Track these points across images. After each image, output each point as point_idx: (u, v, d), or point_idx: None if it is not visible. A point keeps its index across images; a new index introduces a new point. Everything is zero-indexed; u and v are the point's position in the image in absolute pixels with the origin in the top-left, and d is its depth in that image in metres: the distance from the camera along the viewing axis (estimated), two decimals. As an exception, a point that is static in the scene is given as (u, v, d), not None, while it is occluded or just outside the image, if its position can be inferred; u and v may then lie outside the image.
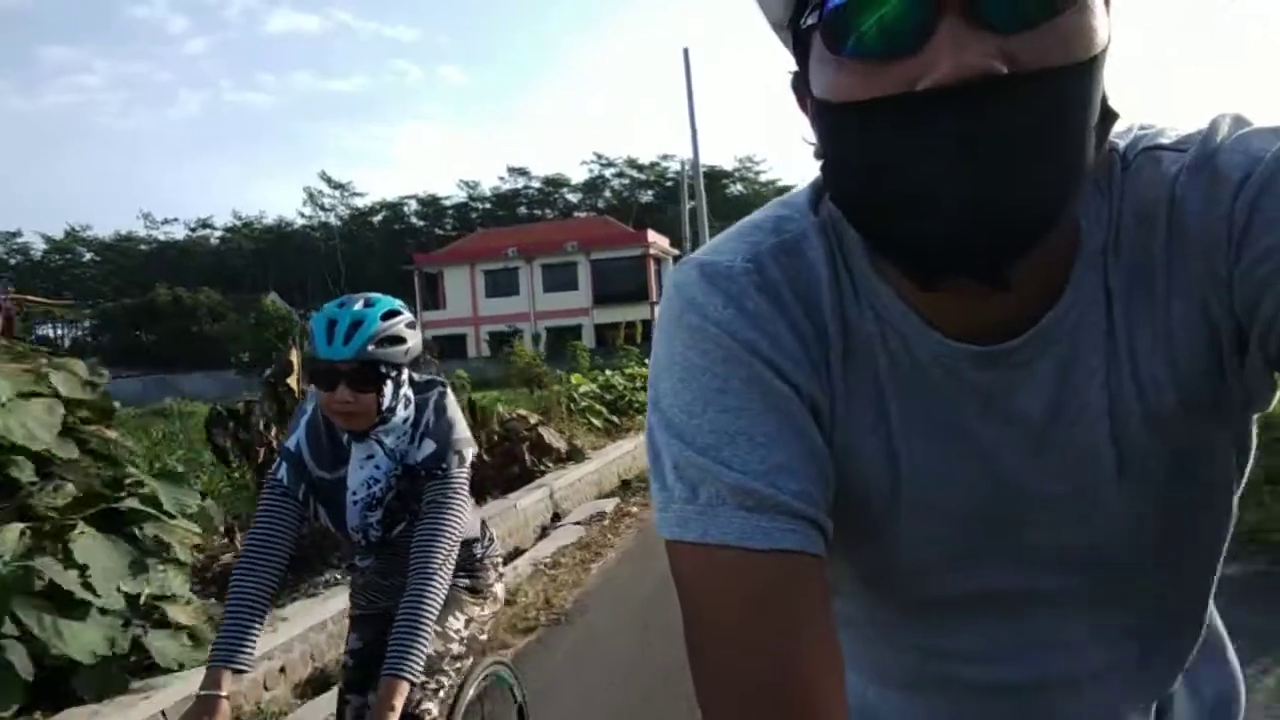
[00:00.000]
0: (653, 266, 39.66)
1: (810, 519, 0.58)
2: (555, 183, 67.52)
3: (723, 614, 0.58)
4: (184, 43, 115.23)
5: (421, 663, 1.66)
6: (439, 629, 1.86)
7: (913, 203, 0.52)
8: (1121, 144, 0.61)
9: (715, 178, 61.24)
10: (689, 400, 0.61)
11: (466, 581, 2.02)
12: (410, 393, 1.86)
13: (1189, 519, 0.66)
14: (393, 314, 1.79)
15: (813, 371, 0.63)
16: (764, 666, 0.56)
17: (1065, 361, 0.61)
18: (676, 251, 41.51)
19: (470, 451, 1.88)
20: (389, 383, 1.77)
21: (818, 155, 0.59)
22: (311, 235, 68.38)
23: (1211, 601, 0.74)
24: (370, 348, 1.72)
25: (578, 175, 69.13)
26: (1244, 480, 0.67)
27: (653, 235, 40.71)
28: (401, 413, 1.82)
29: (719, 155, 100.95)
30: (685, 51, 18.67)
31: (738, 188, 67.29)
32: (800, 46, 0.58)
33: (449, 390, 1.95)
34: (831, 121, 0.56)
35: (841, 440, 0.64)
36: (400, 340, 1.77)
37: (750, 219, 0.69)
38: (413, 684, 1.65)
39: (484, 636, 2.12)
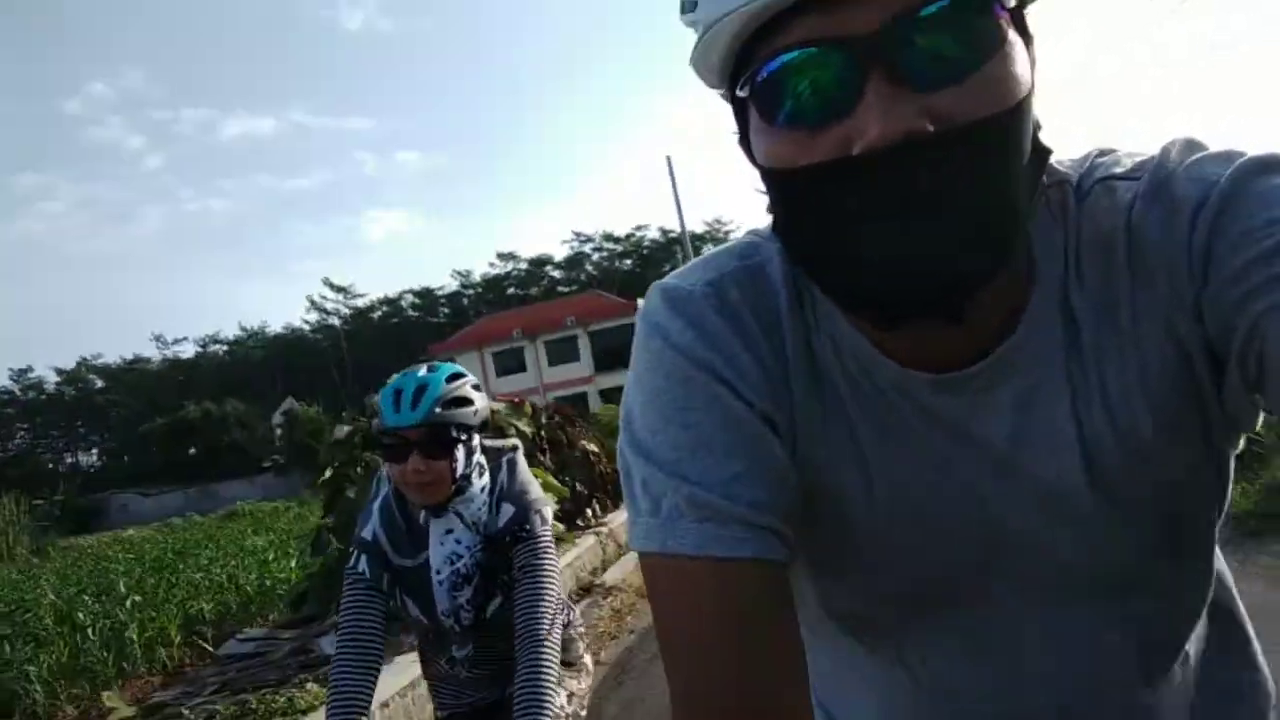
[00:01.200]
0: (645, 331, 43.52)
1: (767, 527, 0.60)
2: (540, 262, 71.88)
3: (685, 620, 0.61)
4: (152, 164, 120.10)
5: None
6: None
7: (857, 260, 0.54)
8: (1075, 174, 0.62)
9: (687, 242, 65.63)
10: (653, 418, 0.64)
11: (560, 657, 1.89)
12: (484, 460, 1.83)
13: (1174, 539, 0.66)
14: (457, 376, 1.79)
15: (772, 391, 0.65)
16: (725, 670, 0.58)
17: (1026, 388, 0.61)
18: (664, 315, 45.55)
19: (549, 511, 1.85)
20: (460, 446, 1.73)
21: (769, 210, 0.61)
22: (315, 338, 72.04)
23: (1240, 611, 0.76)
24: (438, 410, 1.70)
25: (558, 252, 73.43)
26: (1228, 500, 0.68)
27: (641, 303, 44.71)
28: (477, 481, 1.78)
29: (689, 218, 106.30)
30: (669, 159, 21.86)
31: (708, 247, 71.62)
32: (740, 114, 0.60)
33: (519, 453, 1.92)
34: (773, 186, 0.58)
35: (811, 457, 0.66)
36: (468, 401, 1.76)
37: (720, 247, 0.72)
38: None
39: (584, 713, 2.00)
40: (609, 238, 70.44)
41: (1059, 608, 0.68)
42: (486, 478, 1.80)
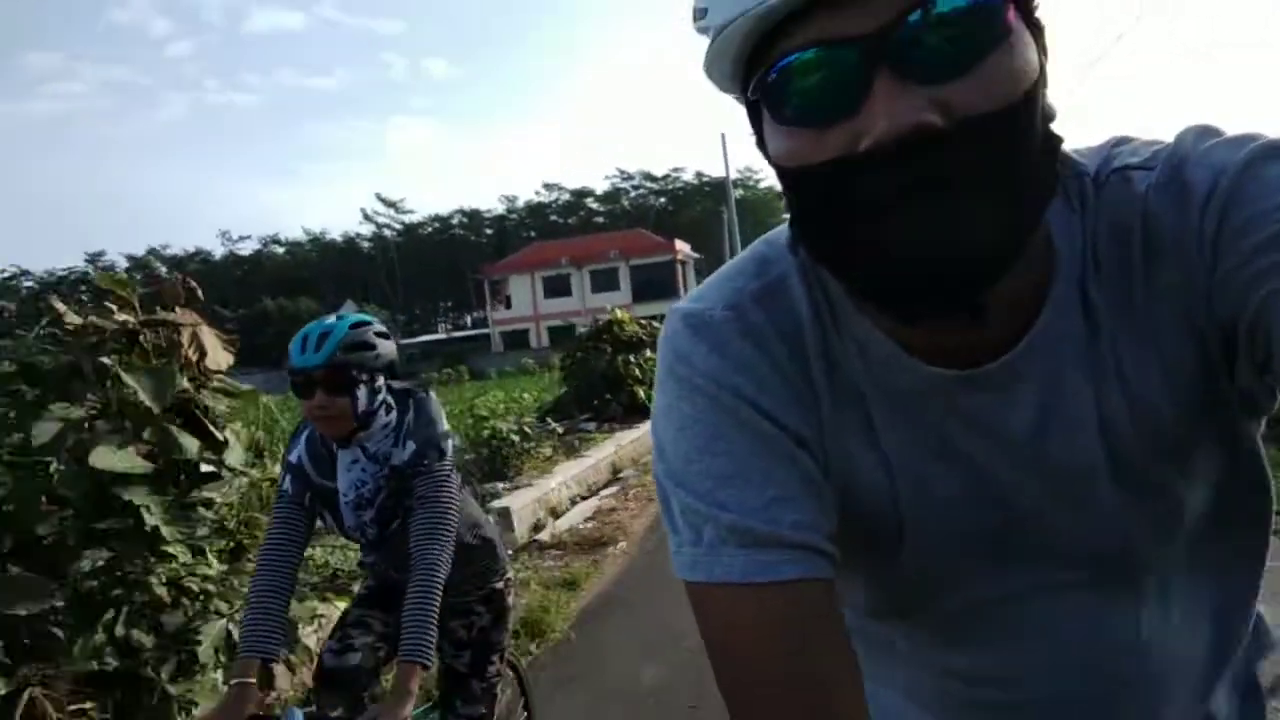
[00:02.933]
0: (679, 269, 48.93)
1: (810, 546, 0.61)
2: (581, 194, 76.86)
3: (739, 647, 0.61)
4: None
5: (432, 646, 1.78)
6: (481, 685, 2.19)
7: (873, 254, 0.54)
8: (1093, 165, 0.62)
9: (721, 188, 70.47)
10: (685, 448, 0.64)
11: (489, 615, 2.23)
12: (391, 400, 1.99)
13: (1208, 524, 0.66)
14: (361, 324, 1.95)
15: (800, 408, 0.65)
16: (781, 692, 0.59)
17: (1049, 379, 0.62)
18: (697, 255, 51.01)
19: (450, 444, 2.00)
20: (361, 386, 1.89)
21: (787, 208, 0.61)
22: (367, 247, 77.58)
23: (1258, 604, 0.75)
24: (339, 353, 1.86)
25: (598, 185, 78.29)
26: (1272, 488, 0.68)
27: (679, 244, 50.02)
28: (382, 418, 1.96)
29: (718, 164, 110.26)
30: (723, 137, 26.78)
31: (739, 192, 76.35)
32: (754, 116, 0.60)
33: (430, 395, 2.08)
34: (788, 183, 0.58)
35: (838, 469, 0.66)
36: (369, 346, 1.92)
37: (733, 262, 0.72)
38: (425, 667, 1.76)
39: (508, 648, 2.32)
40: (648, 177, 75.19)
41: (1081, 593, 0.68)
42: (394, 415, 1.99)
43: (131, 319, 3.00)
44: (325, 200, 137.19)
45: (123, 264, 77.61)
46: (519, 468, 7.48)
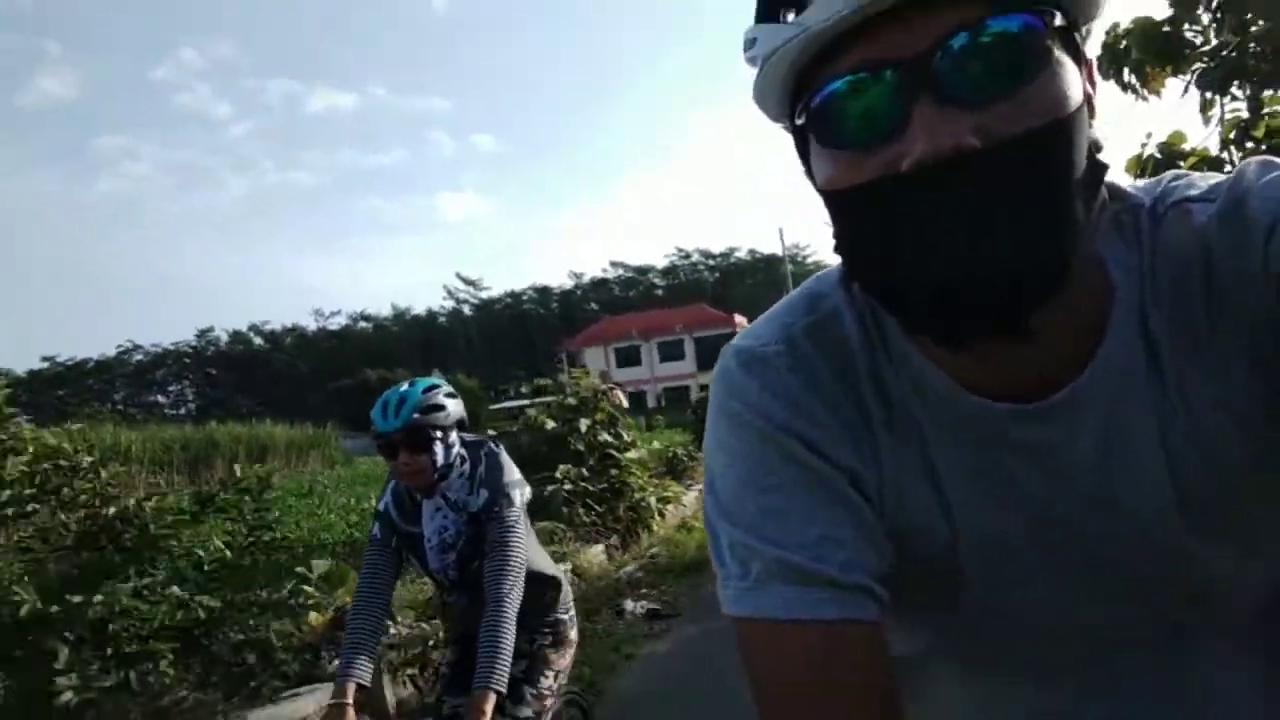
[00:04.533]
0: (738, 340, 54.30)
1: (858, 587, 0.60)
2: (643, 270, 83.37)
3: (779, 682, 0.61)
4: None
5: (505, 675, 2.00)
6: (531, 691, 2.33)
7: (912, 277, 0.55)
8: (1148, 198, 0.62)
9: (772, 264, 76.14)
10: (735, 483, 0.65)
11: (549, 638, 2.42)
12: (464, 452, 2.26)
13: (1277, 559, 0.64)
14: (432, 388, 2.24)
15: (853, 444, 0.64)
16: None
17: (1110, 414, 0.60)
18: (753, 327, 56.27)
19: (520, 494, 2.25)
20: (437, 443, 2.17)
21: (833, 235, 0.61)
22: (443, 322, 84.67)
23: None
24: (415, 416, 2.14)
25: (658, 261, 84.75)
26: None
27: (738, 317, 55.56)
28: (458, 469, 2.24)
29: (769, 242, 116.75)
30: (780, 231, 32.76)
31: (789, 267, 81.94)
32: (800, 142, 0.62)
33: (499, 447, 2.34)
34: (832, 208, 0.59)
35: (893, 506, 0.65)
36: (440, 408, 2.20)
37: (786, 299, 0.72)
38: (498, 693, 1.97)
39: (565, 680, 2.51)
40: (706, 254, 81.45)
41: (1143, 639, 0.66)
42: (468, 466, 2.24)
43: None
44: (394, 275, 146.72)
45: (225, 339, 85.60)
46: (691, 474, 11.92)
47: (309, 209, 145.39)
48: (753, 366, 0.67)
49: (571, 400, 8.96)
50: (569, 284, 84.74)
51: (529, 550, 2.26)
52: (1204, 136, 3.50)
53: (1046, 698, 0.72)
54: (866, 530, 0.63)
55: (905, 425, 0.66)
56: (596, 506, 8.05)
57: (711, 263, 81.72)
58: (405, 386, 2.23)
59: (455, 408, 2.25)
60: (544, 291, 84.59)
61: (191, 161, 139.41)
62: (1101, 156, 0.58)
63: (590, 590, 6.25)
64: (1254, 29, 3.33)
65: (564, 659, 2.46)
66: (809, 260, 77.90)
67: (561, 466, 8.01)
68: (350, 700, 2.06)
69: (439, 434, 2.19)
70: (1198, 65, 3.42)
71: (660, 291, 79.90)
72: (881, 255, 0.57)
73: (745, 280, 75.70)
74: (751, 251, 79.19)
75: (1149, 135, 3.51)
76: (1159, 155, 3.46)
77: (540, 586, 2.35)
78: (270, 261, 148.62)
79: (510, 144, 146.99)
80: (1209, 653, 0.67)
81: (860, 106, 0.54)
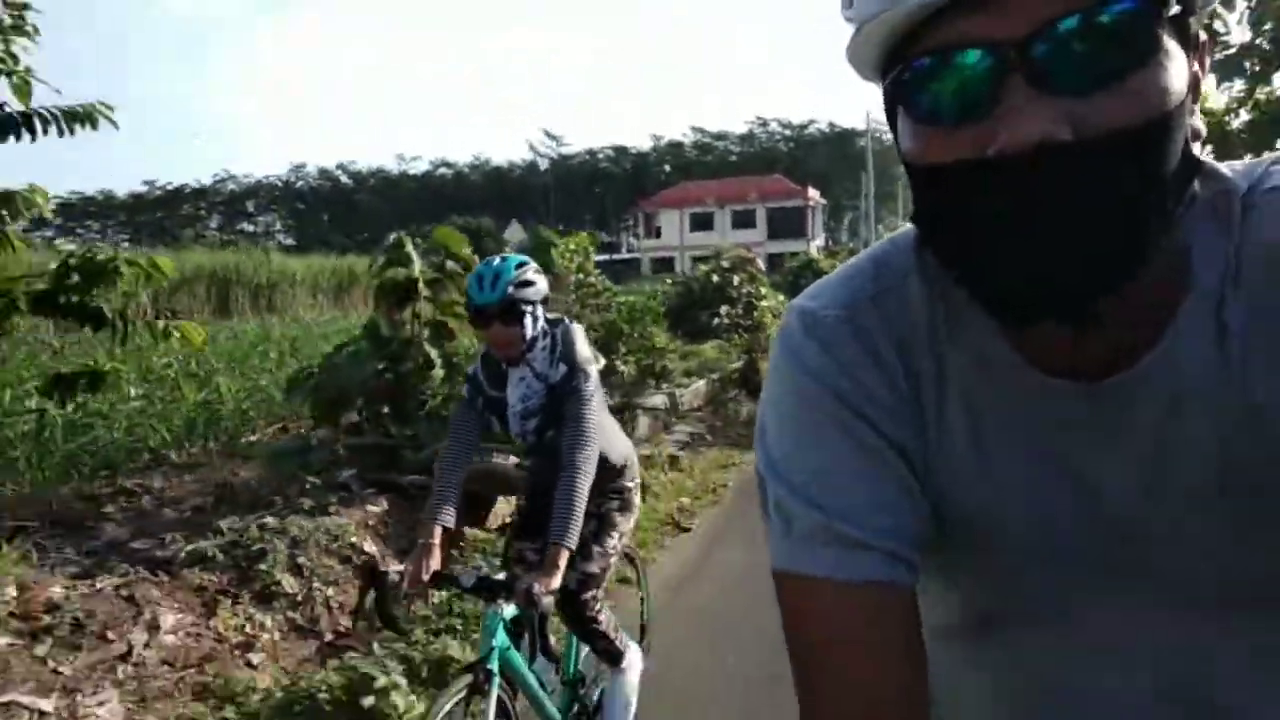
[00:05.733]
0: (809, 213, 56.06)
1: (893, 553, 0.62)
2: (720, 137, 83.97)
3: (813, 638, 0.63)
4: None
5: (577, 534, 2.19)
6: (599, 549, 2.55)
7: (987, 260, 0.55)
8: (1244, 183, 0.60)
9: (846, 138, 76.15)
10: (786, 441, 0.67)
11: (617, 503, 2.63)
12: (546, 325, 2.42)
13: None
14: (522, 264, 2.37)
15: (904, 415, 0.66)
16: (848, 689, 0.61)
17: (1171, 399, 0.60)
18: (825, 201, 57.86)
19: (594, 369, 2.42)
20: (528, 317, 2.33)
21: (913, 202, 0.61)
22: (521, 173, 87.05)
23: None
24: (510, 289, 2.29)
25: (738, 128, 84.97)
26: None
27: (812, 190, 57.09)
28: (541, 342, 2.39)
29: (847, 116, 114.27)
30: (868, 114, 33.59)
31: (869, 145, 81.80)
32: (890, 107, 0.60)
33: (575, 323, 2.50)
34: (914, 180, 0.59)
35: (940, 479, 0.67)
36: (531, 283, 2.35)
37: (854, 262, 0.72)
38: (569, 549, 2.17)
39: (631, 541, 2.78)
40: (786, 125, 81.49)
41: (1187, 617, 0.66)
42: (548, 340, 2.41)
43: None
44: (484, 127, 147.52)
45: (314, 174, 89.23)
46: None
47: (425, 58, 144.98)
48: (815, 330, 0.68)
49: (725, 263, 13.51)
50: (646, 145, 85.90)
51: (604, 426, 2.47)
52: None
53: (1065, 671, 0.72)
54: (909, 500, 0.65)
55: (960, 399, 0.66)
56: (744, 334, 12.03)
57: (788, 133, 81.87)
58: (498, 261, 2.38)
59: (543, 284, 2.40)
60: (620, 150, 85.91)
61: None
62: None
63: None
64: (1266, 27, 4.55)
65: (628, 522, 2.68)
66: (887, 138, 77.67)
67: (723, 307, 12.50)
68: (437, 540, 2.27)
69: (529, 308, 2.33)
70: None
71: (734, 158, 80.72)
72: (959, 236, 0.57)
73: (821, 152, 76.08)
74: (831, 124, 79.03)
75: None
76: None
77: (605, 460, 2.48)
78: (359, 105, 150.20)
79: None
80: (1237, 637, 0.66)
81: (951, 85, 0.53)
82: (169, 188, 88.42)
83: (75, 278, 3.40)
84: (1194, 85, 0.55)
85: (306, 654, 3.68)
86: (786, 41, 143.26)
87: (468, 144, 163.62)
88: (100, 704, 2.96)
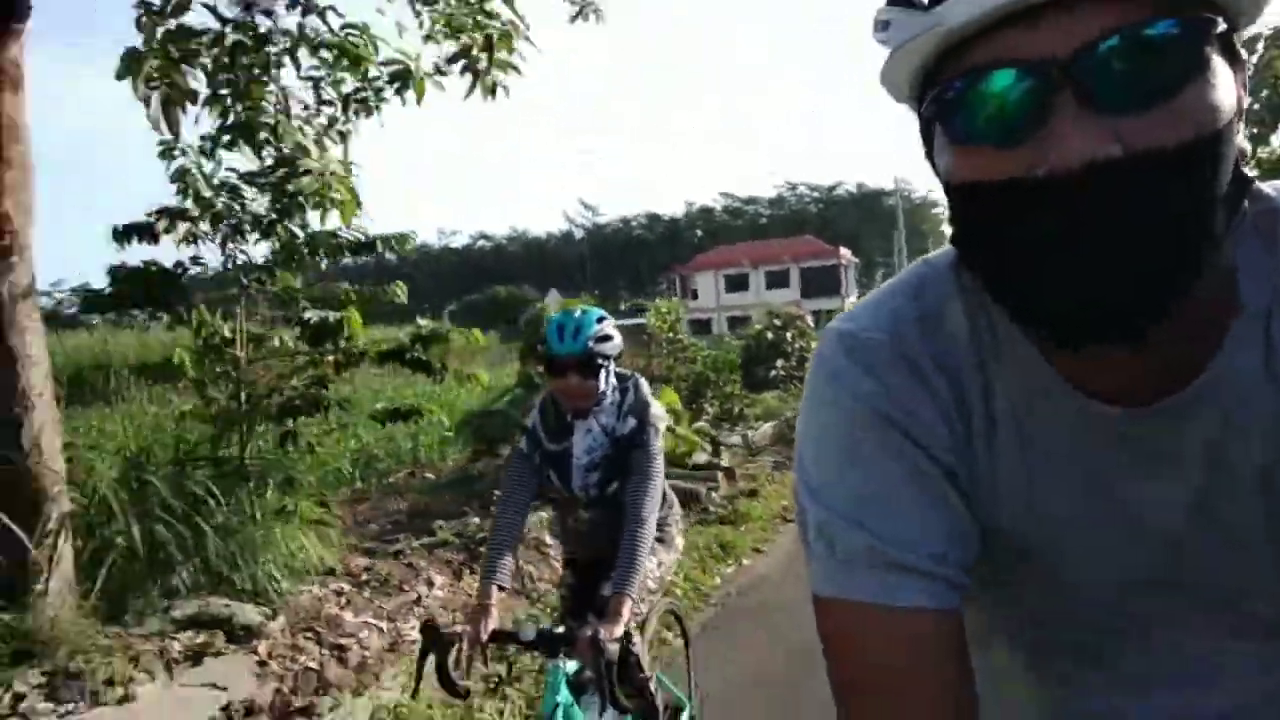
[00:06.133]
0: (843, 271, 57.59)
1: (944, 578, 0.61)
2: (750, 201, 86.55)
3: (859, 665, 0.62)
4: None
5: (639, 584, 2.19)
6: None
7: (1036, 282, 0.53)
8: None
9: (874, 198, 78.06)
10: (829, 466, 0.65)
11: (657, 534, 2.52)
12: (615, 380, 2.46)
13: None
14: (602, 319, 2.40)
15: (951, 438, 0.64)
16: (896, 717, 0.59)
17: (1219, 424, 0.59)
18: (857, 260, 59.42)
19: (663, 425, 2.44)
20: (604, 371, 2.37)
21: (951, 225, 0.60)
22: (558, 243, 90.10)
23: None
24: (591, 343, 2.33)
25: (766, 193, 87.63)
26: None
27: (843, 250, 58.74)
28: (611, 396, 2.43)
29: (874, 176, 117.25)
30: (896, 179, 35.64)
31: (893, 200, 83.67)
32: (926, 130, 0.60)
33: (642, 379, 2.52)
34: (955, 202, 0.58)
35: (984, 501, 0.65)
36: (610, 338, 2.39)
37: (892, 283, 0.70)
38: (632, 599, 2.15)
39: (669, 577, 2.73)
40: (813, 188, 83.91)
41: (1233, 646, 0.66)
42: (618, 394, 2.44)
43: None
44: (522, 200, 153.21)
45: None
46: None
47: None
48: (856, 352, 0.66)
49: (778, 321, 15.45)
50: (679, 212, 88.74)
51: (662, 475, 2.43)
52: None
53: (1107, 697, 0.71)
54: (956, 522, 0.63)
55: (1007, 421, 0.65)
56: (798, 383, 12.88)
57: (816, 194, 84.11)
58: (579, 313, 2.41)
59: (619, 340, 2.44)
60: (653, 218, 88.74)
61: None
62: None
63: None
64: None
65: (669, 555, 2.66)
66: (914, 196, 79.60)
67: (779, 361, 14.29)
68: (494, 601, 2.23)
69: (606, 362, 2.39)
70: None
71: (764, 221, 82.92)
72: (1005, 257, 0.55)
73: (850, 214, 77.96)
74: (859, 185, 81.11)
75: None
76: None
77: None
78: (421, 184, 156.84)
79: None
80: (1259, 652, 0.66)
81: (996, 105, 0.52)
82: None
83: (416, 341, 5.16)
84: (1239, 106, 0.53)
85: (521, 608, 5.06)
86: (828, 96, 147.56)
87: (505, 217, 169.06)
88: (411, 628, 4.37)
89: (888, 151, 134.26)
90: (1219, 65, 0.52)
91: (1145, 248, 0.50)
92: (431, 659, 2.09)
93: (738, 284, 61.73)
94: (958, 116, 0.55)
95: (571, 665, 2.23)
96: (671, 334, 10.41)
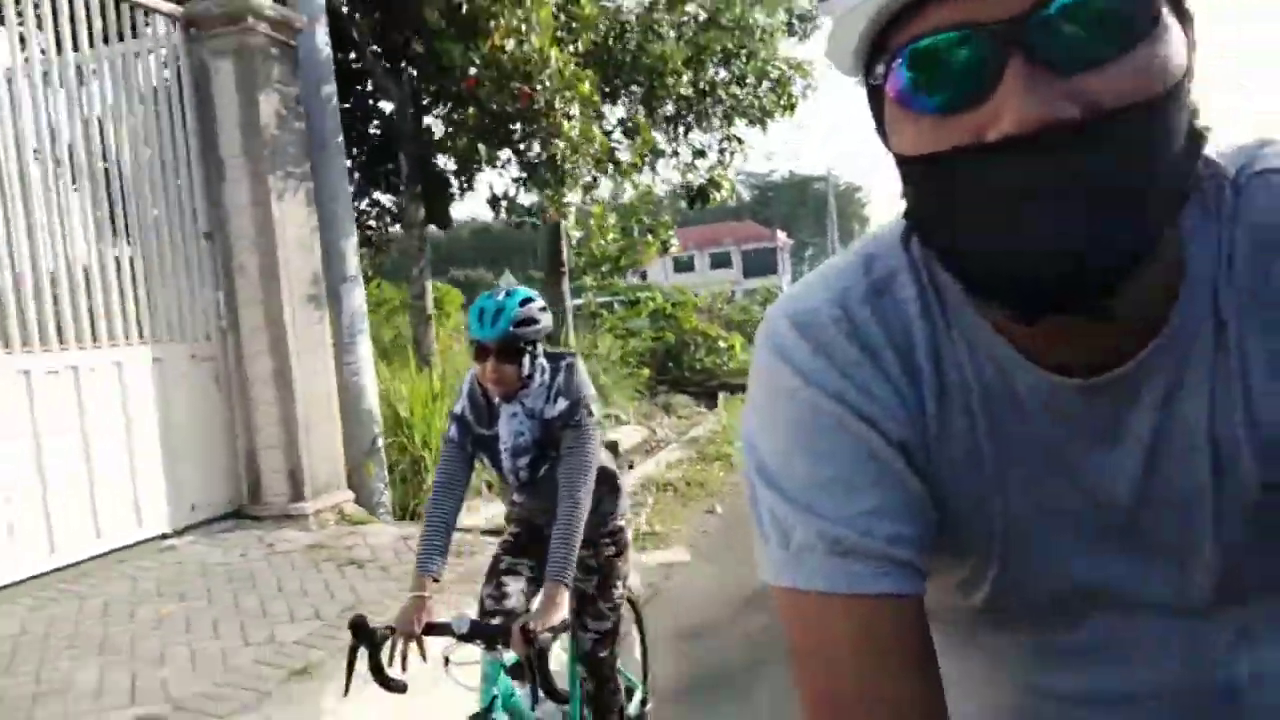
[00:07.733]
0: (779, 253, 63.36)
1: (903, 561, 0.59)
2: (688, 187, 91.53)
3: (822, 658, 0.60)
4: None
5: (573, 568, 2.15)
6: (608, 605, 2.51)
7: (993, 251, 0.52)
8: (1232, 166, 0.59)
9: (806, 183, 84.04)
10: (780, 449, 0.63)
11: (613, 548, 2.55)
12: (545, 362, 2.34)
13: None
14: (527, 300, 2.27)
15: (906, 416, 0.62)
16: (861, 710, 0.58)
17: (1169, 391, 0.59)
18: (791, 241, 65.26)
19: (596, 406, 2.34)
20: (526, 355, 2.25)
21: (903, 198, 0.59)
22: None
23: None
24: (511, 328, 2.20)
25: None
26: None
27: (780, 234, 64.58)
28: (538, 379, 2.31)
29: (804, 164, 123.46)
30: (829, 172, 40.12)
31: (820, 185, 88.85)
32: (875, 101, 0.58)
33: (578, 359, 2.41)
34: (907, 173, 0.57)
35: (939, 477, 0.64)
36: (534, 321, 2.26)
37: (837, 261, 0.69)
38: (567, 586, 2.13)
39: (631, 582, 2.66)
40: (745, 174, 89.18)
41: (1182, 619, 0.65)
42: (547, 376, 2.33)
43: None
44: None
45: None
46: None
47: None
48: (806, 330, 0.64)
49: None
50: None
51: (599, 463, 2.39)
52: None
53: (1065, 671, 0.70)
54: (913, 503, 0.62)
55: (957, 395, 0.63)
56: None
57: (753, 181, 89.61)
58: (502, 295, 2.28)
59: (546, 321, 2.32)
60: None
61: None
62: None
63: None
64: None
65: (627, 564, 2.62)
66: (842, 183, 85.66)
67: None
68: (428, 593, 2.18)
69: (529, 346, 2.27)
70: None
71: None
72: (958, 227, 0.54)
73: (782, 198, 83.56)
74: (791, 172, 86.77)
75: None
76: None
77: (600, 496, 2.40)
78: None
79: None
80: (1236, 640, 0.65)
81: (944, 69, 0.51)
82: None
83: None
84: (1189, 61, 0.52)
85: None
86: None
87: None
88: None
89: (818, 141, 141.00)
90: (1171, 21, 0.51)
91: (1106, 209, 0.49)
92: (364, 653, 2.04)
93: (685, 266, 66.66)
94: (906, 85, 0.53)
95: (510, 656, 2.15)
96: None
